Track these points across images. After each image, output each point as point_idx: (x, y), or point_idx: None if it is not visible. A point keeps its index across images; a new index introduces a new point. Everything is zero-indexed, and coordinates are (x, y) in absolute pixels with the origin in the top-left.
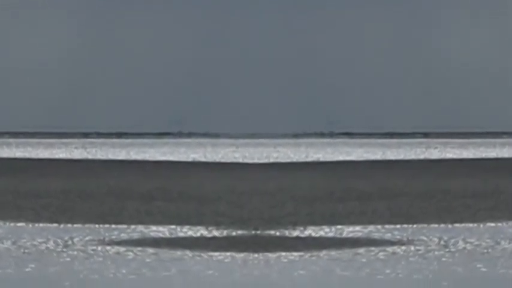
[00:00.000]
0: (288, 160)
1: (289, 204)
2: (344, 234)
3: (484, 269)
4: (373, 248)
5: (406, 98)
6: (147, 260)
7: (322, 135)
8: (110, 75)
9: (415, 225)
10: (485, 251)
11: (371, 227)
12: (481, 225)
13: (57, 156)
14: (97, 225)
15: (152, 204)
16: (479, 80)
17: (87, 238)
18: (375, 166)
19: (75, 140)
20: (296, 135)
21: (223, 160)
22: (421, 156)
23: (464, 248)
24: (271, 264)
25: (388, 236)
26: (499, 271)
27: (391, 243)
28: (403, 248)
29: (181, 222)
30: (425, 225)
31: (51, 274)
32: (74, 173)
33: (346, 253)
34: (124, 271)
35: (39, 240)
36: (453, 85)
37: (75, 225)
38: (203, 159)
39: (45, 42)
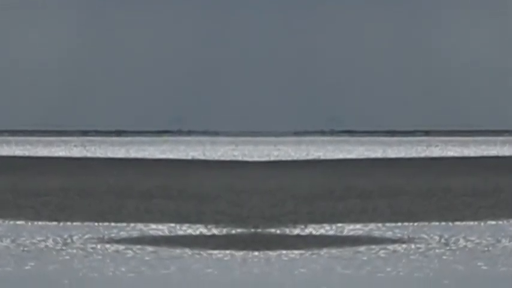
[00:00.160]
0: (289, 158)
1: (289, 202)
2: (345, 233)
3: (484, 267)
4: (373, 246)
5: (407, 96)
6: (147, 258)
7: (323, 133)
8: (109, 73)
9: (415, 224)
10: (486, 249)
11: (372, 225)
12: (482, 224)
13: (56, 154)
14: (96, 224)
15: (151, 203)
16: (480, 79)
17: (86, 236)
18: (376, 164)
19: (75, 138)
20: (297, 133)
21: (222, 158)
22: (422, 154)
23: (465, 246)
24: (272, 263)
25: (388, 234)
26: (500, 269)
27: (392, 241)
28: (404, 246)
29: (180, 220)
30: (426, 223)
31: (50, 272)
32: (73, 171)
33: (346, 251)
34: (123, 269)
35: (39, 238)
36: (454, 84)
37: (74, 224)
38: (202, 157)
39: (45, 41)
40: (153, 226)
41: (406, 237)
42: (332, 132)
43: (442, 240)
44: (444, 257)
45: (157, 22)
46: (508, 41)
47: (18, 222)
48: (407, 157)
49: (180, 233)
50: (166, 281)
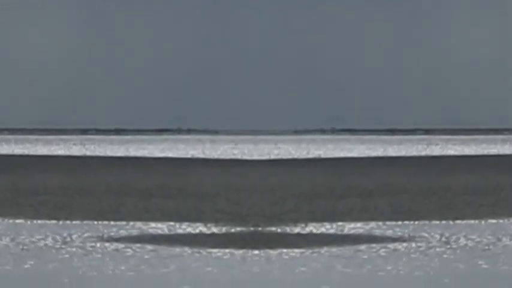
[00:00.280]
0: (289, 157)
1: (290, 201)
2: (345, 231)
3: (485, 266)
4: (374, 245)
5: (407, 95)
6: (146, 257)
7: (323, 131)
8: (109, 72)
9: (416, 222)
10: (487, 247)
11: (372, 224)
12: (483, 222)
13: (55, 153)
14: (96, 222)
15: (151, 201)
16: (481, 77)
17: (85, 235)
18: (376, 163)
19: (74, 137)
20: (297, 132)
21: (222, 157)
22: (423, 153)
23: (466, 245)
24: (272, 261)
25: (389, 232)
26: (500, 267)
27: (393, 239)
28: (405, 244)
29: (180, 219)
30: (426, 222)
31: (49, 271)
32: (72, 169)
33: (347, 250)
34: (123, 268)
35: (38, 237)
36: (454, 82)
37: (73, 222)
38: (202, 156)
39: (44, 41)
40: (153, 225)
41: (406, 235)
42: (333, 131)
43: (443, 239)
44: (445, 256)
45: (156, 21)
46: (508, 41)
47: (18, 221)
48: (408, 156)
49: (180, 231)
50: (166, 279)
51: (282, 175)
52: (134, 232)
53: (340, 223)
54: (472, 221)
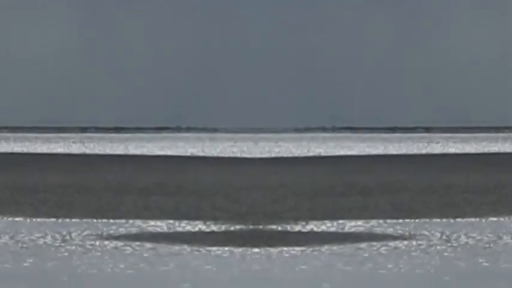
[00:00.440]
0: (290, 155)
1: (290, 199)
2: (346, 229)
3: (486, 264)
4: (375, 243)
5: (408, 93)
6: (145, 255)
7: (324, 129)
8: (108, 70)
9: (417, 220)
10: (488, 245)
11: (373, 222)
12: (483, 220)
13: (55, 151)
14: (95, 220)
15: (150, 199)
16: (481, 74)
17: (85, 233)
18: (377, 161)
19: (73, 135)
20: (298, 130)
21: (221, 155)
22: (423, 151)
23: (467, 243)
24: (272, 259)
25: (390, 230)
26: (501, 266)
27: (393, 238)
28: (405, 242)
29: (179, 216)
30: (427, 220)
31: (49, 269)
32: (72, 167)
33: (348, 248)
34: (122, 266)
35: (37, 235)
36: (455, 79)
37: (73, 220)
38: (201, 154)
39: (43, 39)
40: (152, 223)
41: (407, 233)
42: (333, 129)
43: (444, 237)
44: (445, 254)
45: (155, 19)
46: (508, 40)
47: (17, 219)
48: (409, 154)
49: (179, 229)
50: (165, 277)
51: (283, 173)
52: (133, 230)
53: (340, 221)
54: (473, 219)
